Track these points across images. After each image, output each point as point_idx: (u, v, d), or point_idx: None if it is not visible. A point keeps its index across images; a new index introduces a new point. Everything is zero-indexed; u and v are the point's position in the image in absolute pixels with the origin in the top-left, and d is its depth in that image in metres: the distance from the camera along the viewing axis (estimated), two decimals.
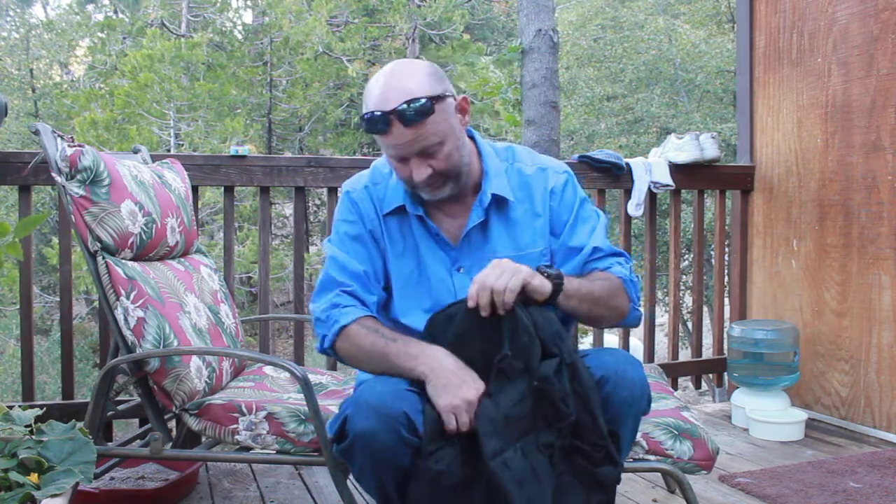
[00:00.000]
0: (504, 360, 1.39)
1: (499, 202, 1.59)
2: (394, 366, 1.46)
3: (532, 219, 1.61)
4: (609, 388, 1.42)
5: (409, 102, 1.41)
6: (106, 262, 1.72)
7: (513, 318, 1.40)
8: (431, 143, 1.46)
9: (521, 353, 1.39)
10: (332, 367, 2.70)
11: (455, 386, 1.38)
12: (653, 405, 1.56)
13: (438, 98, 1.45)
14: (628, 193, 3.06)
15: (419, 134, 1.44)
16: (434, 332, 1.47)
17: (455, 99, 1.51)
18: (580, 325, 1.74)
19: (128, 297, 1.71)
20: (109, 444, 2.35)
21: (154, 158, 2.26)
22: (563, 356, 1.39)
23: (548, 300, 1.44)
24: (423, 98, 1.42)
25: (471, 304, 1.40)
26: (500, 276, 1.39)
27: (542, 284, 1.42)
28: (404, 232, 1.61)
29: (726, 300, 3.48)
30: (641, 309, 1.67)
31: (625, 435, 1.46)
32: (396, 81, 1.44)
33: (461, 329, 1.44)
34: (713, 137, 3.15)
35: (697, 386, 3.59)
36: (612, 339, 4.21)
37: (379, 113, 1.43)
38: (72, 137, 1.82)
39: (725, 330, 3.22)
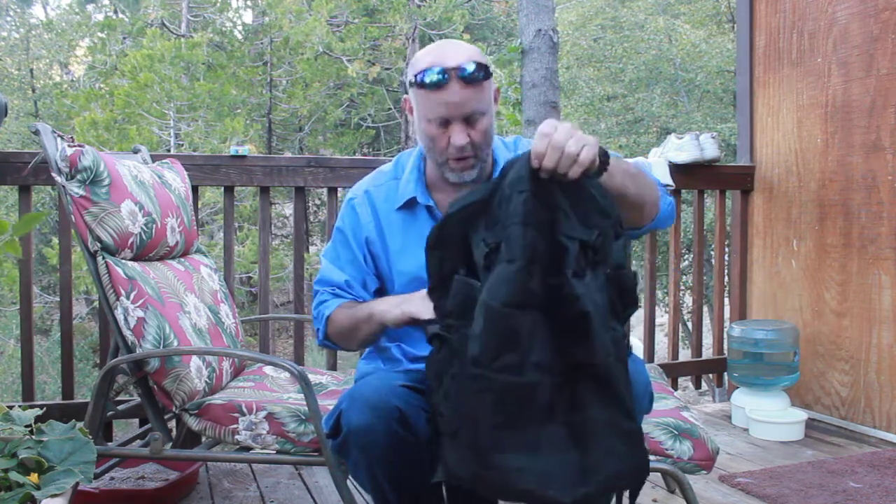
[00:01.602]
0: (597, 241, 1.19)
1: None
2: (369, 326, 1.54)
3: None
4: None
5: (469, 62, 1.44)
6: (106, 262, 1.72)
7: (583, 192, 1.21)
8: (478, 109, 1.48)
9: (601, 236, 1.21)
10: (332, 367, 2.70)
11: (406, 300, 1.46)
12: (653, 405, 1.56)
13: (489, 71, 1.49)
14: None
15: (473, 95, 1.46)
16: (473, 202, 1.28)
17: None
18: None
19: (128, 297, 1.71)
20: (109, 444, 2.34)
21: (154, 158, 2.26)
22: (626, 235, 1.25)
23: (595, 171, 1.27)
24: (481, 62, 1.46)
25: (535, 163, 1.20)
26: (572, 139, 1.19)
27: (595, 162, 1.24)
28: (408, 227, 1.63)
29: (726, 300, 3.48)
30: (670, 196, 1.52)
31: None
32: (453, 47, 1.49)
33: (528, 207, 1.19)
34: (713, 137, 3.15)
35: (697, 386, 3.59)
36: None
37: (441, 68, 1.44)
38: (72, 137, 1.82)
39: (725, 330, 3.22)
